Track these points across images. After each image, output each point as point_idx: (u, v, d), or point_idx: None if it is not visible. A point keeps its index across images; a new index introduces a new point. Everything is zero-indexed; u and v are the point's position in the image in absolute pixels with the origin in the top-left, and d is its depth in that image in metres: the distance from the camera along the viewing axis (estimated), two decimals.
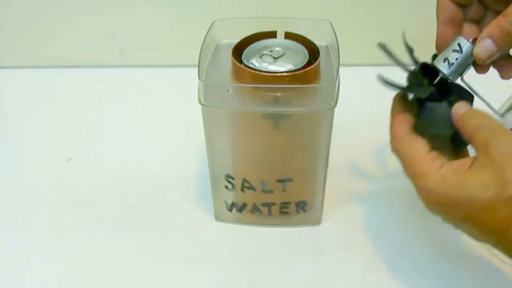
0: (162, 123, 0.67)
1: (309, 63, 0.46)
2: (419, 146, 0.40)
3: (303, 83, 0.45)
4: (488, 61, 0.42)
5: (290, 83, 0.45)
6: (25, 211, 0.56)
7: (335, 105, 0.45)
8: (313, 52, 0.47)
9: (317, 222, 0.54)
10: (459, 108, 0.41)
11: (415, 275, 0.49)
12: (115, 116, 0.68)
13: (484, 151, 0.37)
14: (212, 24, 0.49)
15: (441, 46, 0.44)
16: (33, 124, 0.68)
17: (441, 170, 0.38)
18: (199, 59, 0.46)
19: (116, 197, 0.57)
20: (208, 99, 0.45)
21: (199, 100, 0.45)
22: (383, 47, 0.42)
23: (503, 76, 0.44)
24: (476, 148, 0.38)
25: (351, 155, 0.61)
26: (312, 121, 0.48)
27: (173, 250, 0.52)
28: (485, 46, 0.41)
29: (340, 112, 0.46)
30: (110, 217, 0.55)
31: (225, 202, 0.53)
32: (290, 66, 0.45)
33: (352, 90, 0.51)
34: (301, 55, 0.47)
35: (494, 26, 0.41)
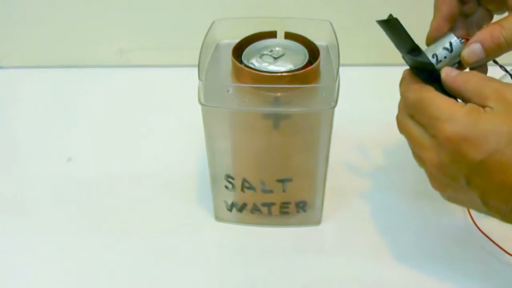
0: (162, 123, 0.67)
1: (309, 63, 0.46)
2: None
3: (303, 83, 0.45)
4: (474, 65, 0.42)
5: (290, 83, 0.45)
6: (25, 211, 0.56)
7: (335, 105, 0.45)
8: (313, 52, 0.47)
9: (317, 222, 0.54)
10: (450, 70, 0.41)
11: (417, 275, 0.49)
12: (115, 116, 0.68)
13: (498, 97, 0.38)
14: (212, 24, 0.49)
15: (432, 39, 0.44)
16: (33, 124, 0.68)
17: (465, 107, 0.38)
18: (199, 59, 0.46)
19: (116, 197, 0.57)
20: (208, 99, 0.45)
21: (199, 100, 0.45)
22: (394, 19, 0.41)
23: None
24: (484, 98, 0.38)
25: (351, 155, 0.61)
26: (312, 121, 0.48)
27: (173, 250, 0.52)
28: (474, 51, 0.41)
29: (340, 112, 0.46)
30: (110, 217, 0.55)
31: (225, 202, 0.53)
32: (290, 66, 0.45)
33: (352, 90, 0.51)
34: (301, 55, 0.47)
35: (487, 34, 0.41)
